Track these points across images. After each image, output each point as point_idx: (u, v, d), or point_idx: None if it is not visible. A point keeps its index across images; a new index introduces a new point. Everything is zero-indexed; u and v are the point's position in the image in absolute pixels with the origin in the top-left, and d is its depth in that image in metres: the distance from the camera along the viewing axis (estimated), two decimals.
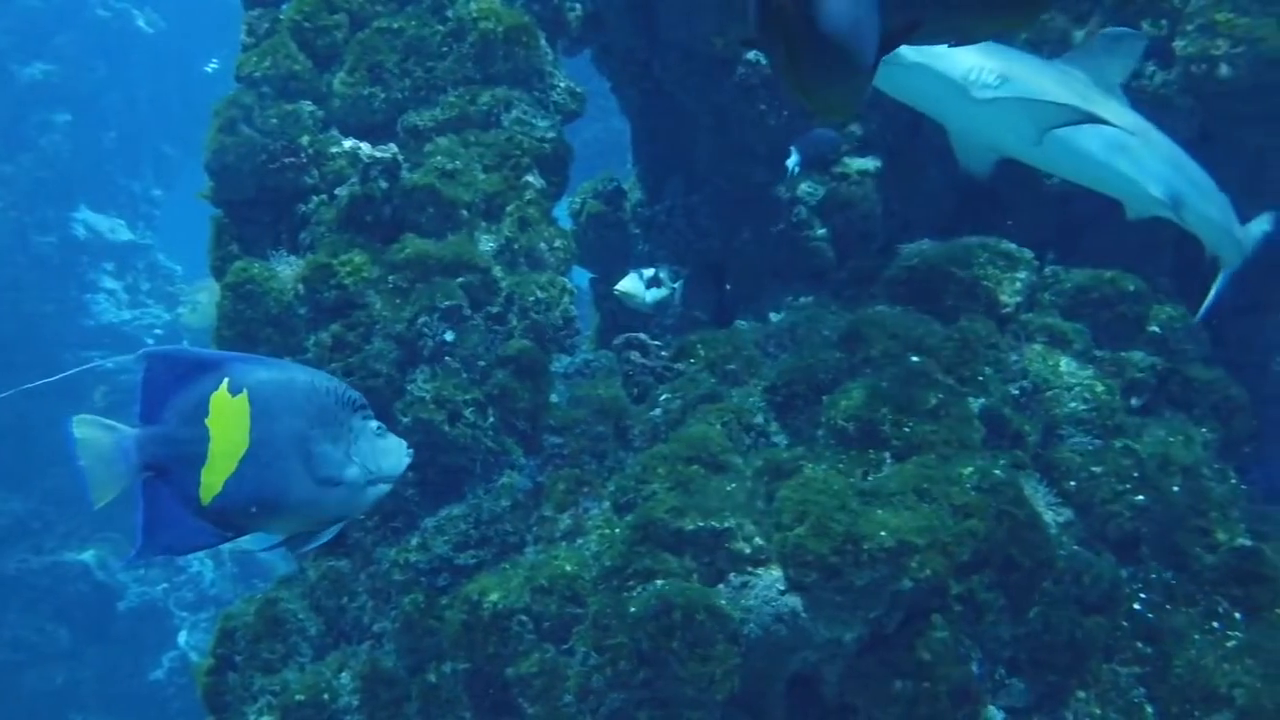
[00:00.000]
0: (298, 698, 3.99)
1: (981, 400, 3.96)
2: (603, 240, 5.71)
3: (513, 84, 4.74)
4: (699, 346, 4.41)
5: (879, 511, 3.48)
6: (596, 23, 5.27)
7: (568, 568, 3.69)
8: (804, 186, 4.98)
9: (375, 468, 2.72)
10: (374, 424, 2.73)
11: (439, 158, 4.50)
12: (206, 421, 2.54)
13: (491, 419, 4.17)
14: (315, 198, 4.54)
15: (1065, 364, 4.19)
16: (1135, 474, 3.86)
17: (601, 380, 4.40)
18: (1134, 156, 4.33)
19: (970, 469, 3.66)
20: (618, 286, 5.22)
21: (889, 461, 3.75)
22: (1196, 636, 3.70)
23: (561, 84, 4.86)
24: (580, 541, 3.89)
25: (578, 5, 5.12)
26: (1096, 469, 3.88)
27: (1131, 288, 4.44)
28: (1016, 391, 4.10)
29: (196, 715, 4.39)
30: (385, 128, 4.70)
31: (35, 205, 13.66)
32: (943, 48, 3.82)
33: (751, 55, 4.89)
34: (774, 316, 4.70)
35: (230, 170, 4.56)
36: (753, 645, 3.47)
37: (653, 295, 5.19)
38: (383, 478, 2.75)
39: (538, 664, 3.61)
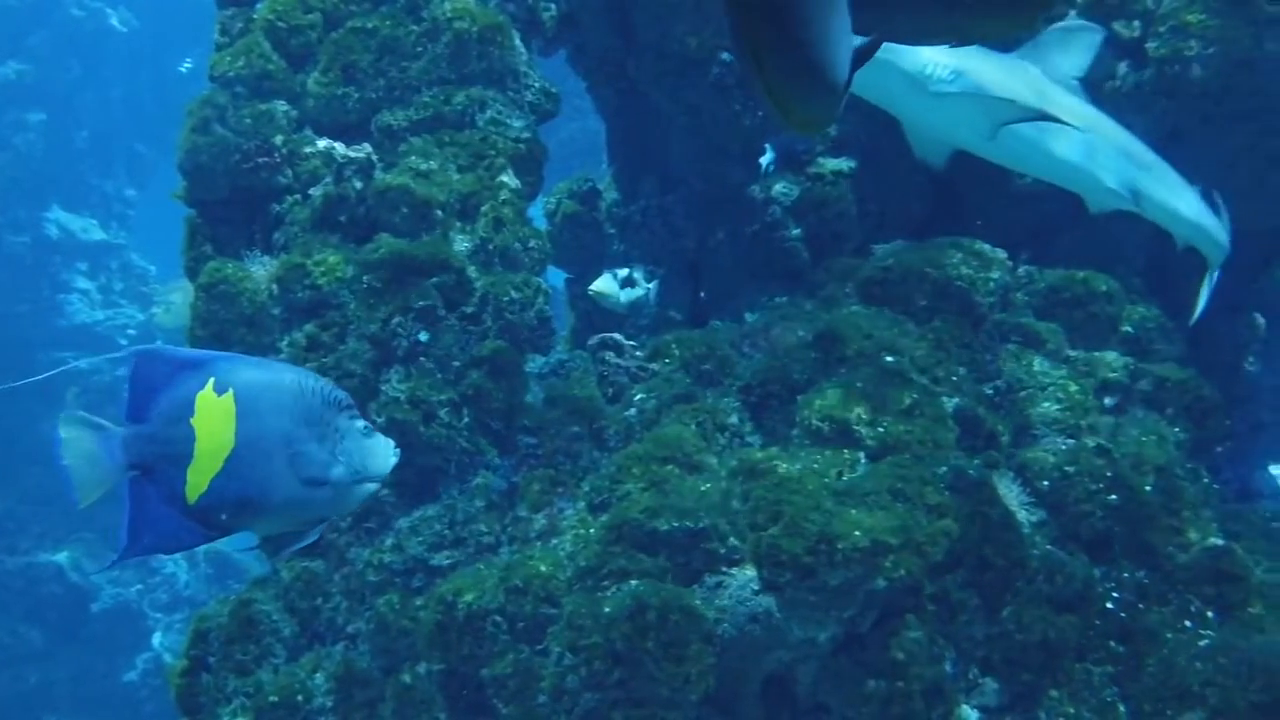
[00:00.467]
0: (272, 699, 3.98)
1: (955, 400, 3.97)
2: (578, 240, 5.71)
3: (487, 84, 4.73)
4: (674, 346, 4.41)
5: (853, 511, 3.48)
6: (571, 22, 5.27)
7: (542, 568, 3.68)
8: (779, 187, 4.98)
9: (361, 467, 2.71)
10: (360, 423, 2.72)
11: (413, 158, 4.49)
12: (192, 421, 2.53)
13: (466, 419, 4.16)
14: (289, 198, 4.53)
15: (1039, 364, 4.21)
16: (1108, 474, 3.87)
17: (576, 380, 4.40)
18: (1088, 150, 4.34)
19: (944, 469, 3.67)
20: (592, 287, 5.22)
21: (863, 461, 3.75)
22: (1169, 636, 3.71)
23: (536, 84, 4.86)
24: (555, 542, 3.89)
25: (552, 5, 5.12)
26: (1070, 469, 3.89)
27: (1104, 288, 4.46)
28: (990, 391, 4.11)
29: (170, 717, 4.37)
30: (359, 128, 4.68)
31: (8, 205, 13.58)
32: None
33: (726, 55, 4.89)
34: (749, 316, 4.70)
35: (204, 170, 4.54)
36: (727, 645, 3.47)
37: (627, 295, 5.19)
38: (369, 477, 2.75)
39: (512, 664, 3.60)
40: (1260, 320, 5.08)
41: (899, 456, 3.72)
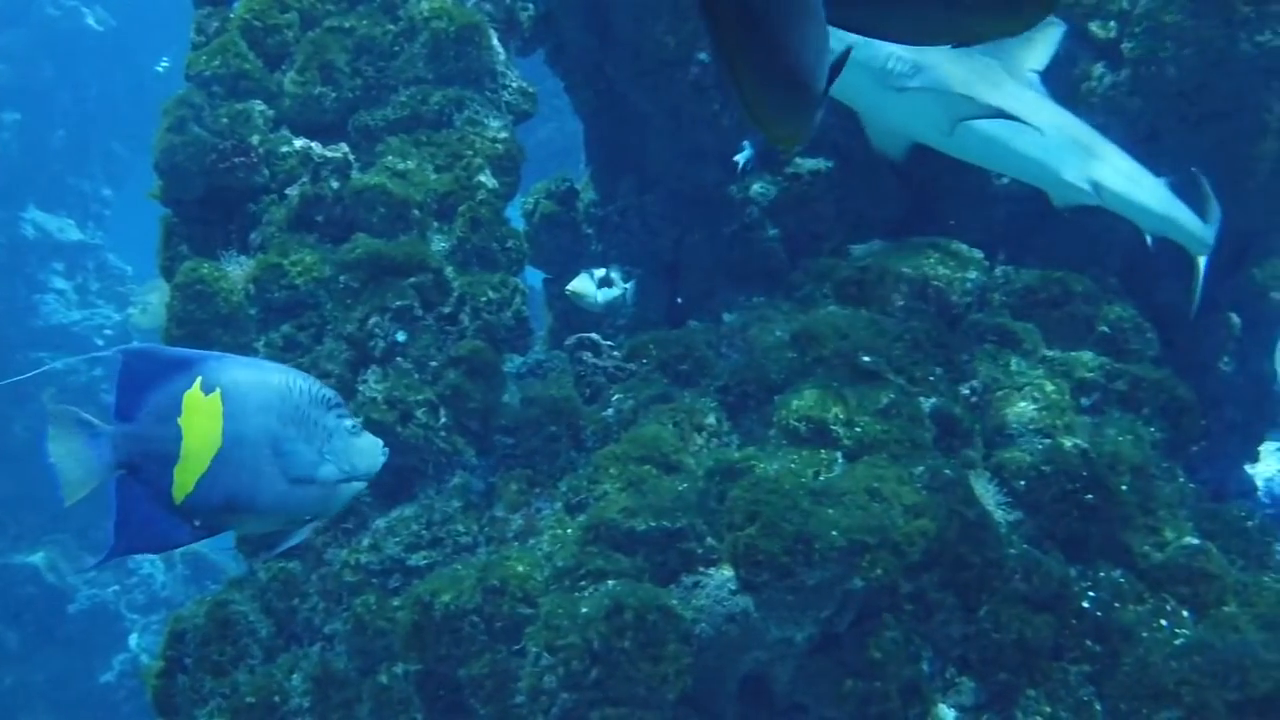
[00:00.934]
0: (248, 700, 3.97)
1: (932, 400, 3.98)
2: (556, 241, 5.70)
3: (465, 84, 4.72)
4: (651, 346, 4.41)
5: (830, 511, 3.49)
6: (549, 22, 5.27)
7: (520, 568, 3.68)
8: (756, 187, 4.98)
9: (349, 466, 2.72)
10: (349, 422, 2.73)
11: (390, 157, 4.48)
12: (179, 420, 2.54)
13: (443, 419, 4.16)
14: (266, 197, 4.51)
15: (1015, 364, 4.22)
16: (1084, 473, 3.88)
17: (554, 380, 4.40)
18: (1046, 143, 4.34)
19: (921, 468, 3.68)
20: (569, 287, 5.22)
21: (840, 461, 3.76)
22: (1145, 635, 3.71)
23: (514, 84, 4.85)
24: (532, 542, 3.89)
25: (530, 5, 5.11)
26: (1046, 468, 3.89)
27: (1080, 288, 4.47)
28: (967, 391, 4.12)
29: (147, 718, 4.36)
30: (336, 127, 4.67)
31: None
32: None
33: (703, 55, 4.89)
34: (726, 317, 4.70)
35: (180, 170, 4.52)
36: (704, 645, 3.48)
37: (604, 295, 5.19)
38: (357, 476, 2.75)
39: (489, 664, 3.60)
40: (1235, 320, 5.10)
41: (876, 456, 3.73)
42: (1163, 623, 3.76)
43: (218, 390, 2.56)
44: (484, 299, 4.34)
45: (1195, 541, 3.94)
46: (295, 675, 4.02)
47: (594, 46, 5.28)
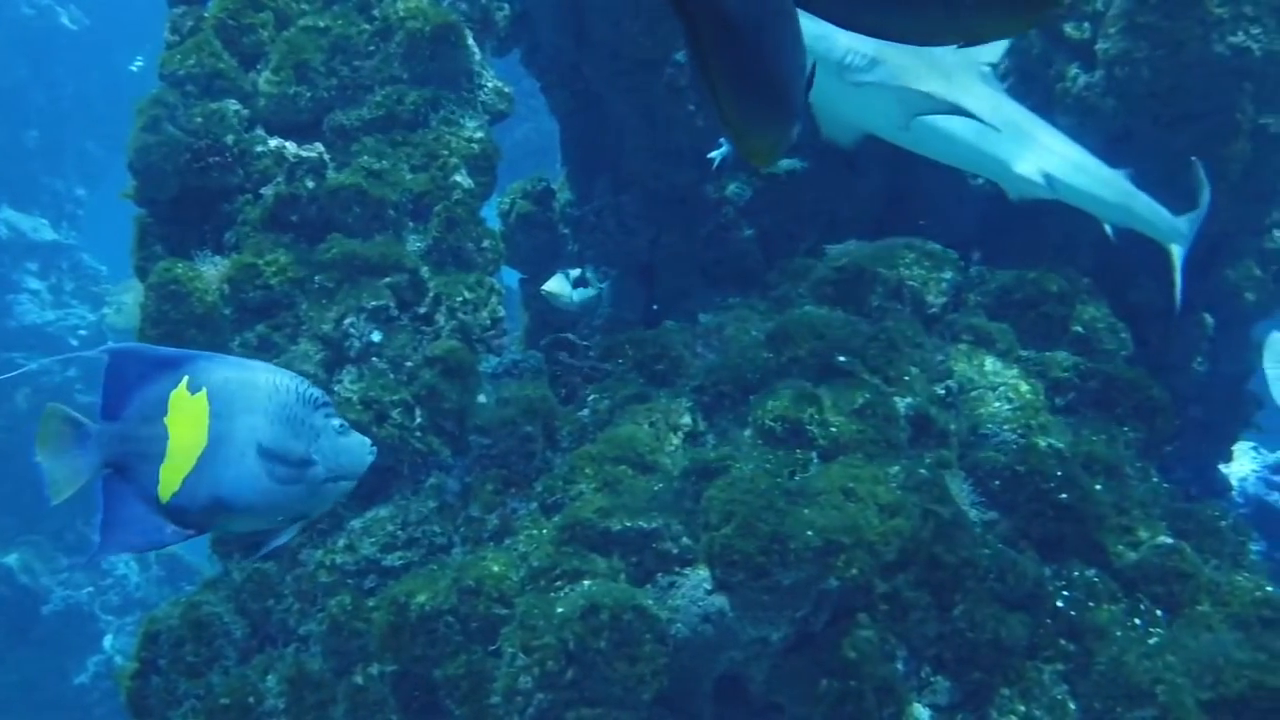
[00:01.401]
0: (223, 701, 3.95)
1: (907, 400, 3.99)
2: (532, 241, 5.70)
3: (440, 84, 4.71)
4: (627, 347, 4.41)
5: (806, 511, 3.49)
6: (525, 22, 5.26)
7: (495, 568, 3.67)
8: (732, 187, 4.99)
9: (337, 466, 2.72)
10: (336, 422, 2.73)
11: (366, 157, 4.47)
12: (165, 420, 2.54)
13: (419, 420, 4.15)
14: (240, 197, 4.49)
15: (990, 364, 4.23)
16: (1059, 473, 3.89)
17: (530, 381, 4.39)
18: (999, 137, 4.36)
19: (896, 468, 3.69)
20: (544, 287, 5.23)
21: (816, 461, 3.76)
22: (1119, 634, 3.73)
23: (490, 84, 4.84)
24: (508, 542, 3.89)
25: (506, 5, 5.10)
26: (1020, 468, 3.91)
27: (1055, 288, 4.49)
28: (942, 391, 4.13)
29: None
30: (311, 127, 4.65)
31: None
32: (820, 28, 3.77)
33: (679, 56, 4.89)
34: (702, 317, 4.70)
35: (154, 169, 4.49)
36: (680, 645, 3.48)
37: (579, 295, 5.20)
38: (345, 475, 2.75)
39: (465, 665, 3.59)
40: (1209, 320, 5.12)
41: (851, 456, 3.73)
42: (1136, 622, 3.78)
43: (204, 390, 2.57)
44: (460, 299, 4.33)
45: (1169, 541, 3.95)
46: (270, 676, 4.01)
47: (569, 47, 5.29)
